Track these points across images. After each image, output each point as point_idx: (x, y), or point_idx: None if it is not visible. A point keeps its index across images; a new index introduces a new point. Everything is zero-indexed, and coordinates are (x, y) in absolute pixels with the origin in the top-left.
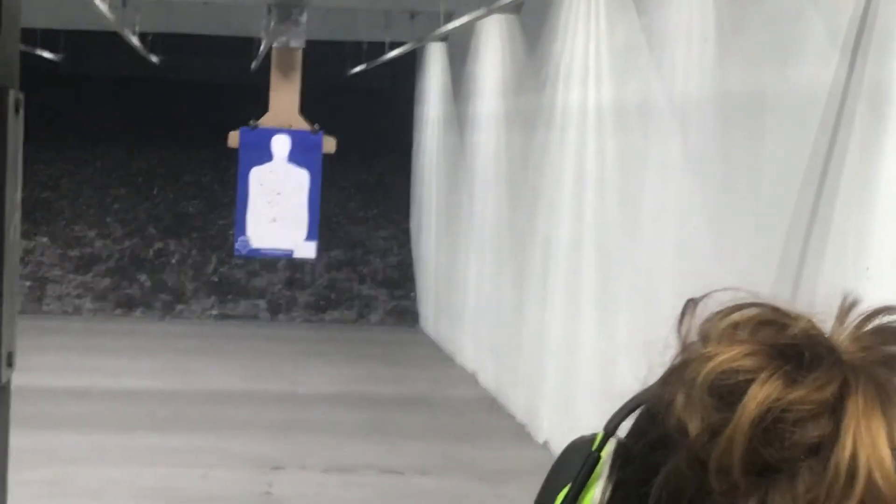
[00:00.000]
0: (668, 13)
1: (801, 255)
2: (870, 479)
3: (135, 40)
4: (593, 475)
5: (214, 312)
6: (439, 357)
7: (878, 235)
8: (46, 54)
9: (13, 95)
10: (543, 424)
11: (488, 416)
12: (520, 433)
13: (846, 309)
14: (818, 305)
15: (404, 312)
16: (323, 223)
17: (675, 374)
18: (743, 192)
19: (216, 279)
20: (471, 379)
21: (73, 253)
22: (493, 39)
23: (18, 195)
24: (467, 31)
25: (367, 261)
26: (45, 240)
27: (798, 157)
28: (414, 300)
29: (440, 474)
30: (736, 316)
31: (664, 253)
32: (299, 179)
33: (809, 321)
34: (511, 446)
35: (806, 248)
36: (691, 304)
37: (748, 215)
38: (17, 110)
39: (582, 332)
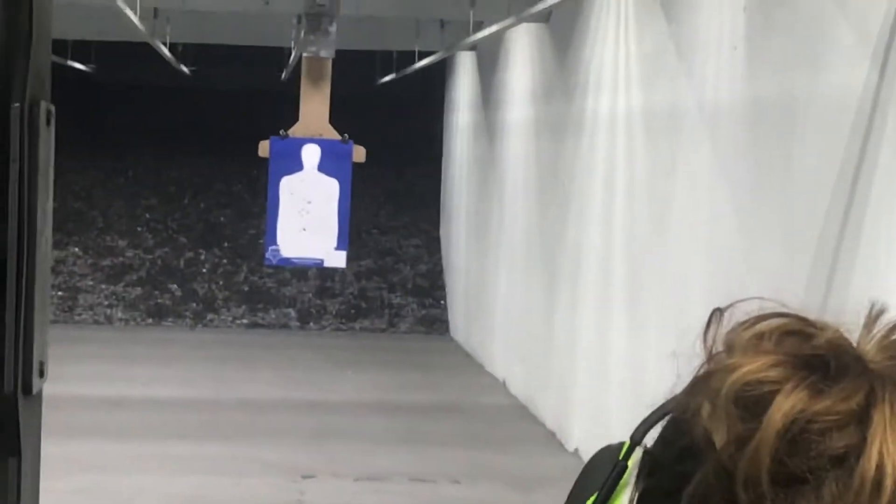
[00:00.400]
0: (698, 20)
1: (832, 261)
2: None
3: (166, 51)
4: (620, 484)
5: (245, 321)
6: (469, 365)
7: None
8: (78, 65)
9: (44, 107)
10: (574, 432)
11: (518, 424)
12: (550, 441)
13: (874, 317)
14: (850, 312)
15: (434, 321)
16: (353, 232)
17: (701, 385)
18: (773, 198)
19: (247, 288)
20: (501, 387)
21: (105, 262)
22: (523, 48)
23: (50, 206)
24: (496, 40)
25: (398, 269)
26: (76, 249)
27: (829, 163)
28: (444, 308)
29: (471, 482)
30: (761, 326)
31: (694, 260)
32: (329, 189)
33: (836, 331)
34: (541, 454)
35: (837, 254)
36: (717, 314)
37: (779, 222)
38: (48, 122)
39: (612, 340)
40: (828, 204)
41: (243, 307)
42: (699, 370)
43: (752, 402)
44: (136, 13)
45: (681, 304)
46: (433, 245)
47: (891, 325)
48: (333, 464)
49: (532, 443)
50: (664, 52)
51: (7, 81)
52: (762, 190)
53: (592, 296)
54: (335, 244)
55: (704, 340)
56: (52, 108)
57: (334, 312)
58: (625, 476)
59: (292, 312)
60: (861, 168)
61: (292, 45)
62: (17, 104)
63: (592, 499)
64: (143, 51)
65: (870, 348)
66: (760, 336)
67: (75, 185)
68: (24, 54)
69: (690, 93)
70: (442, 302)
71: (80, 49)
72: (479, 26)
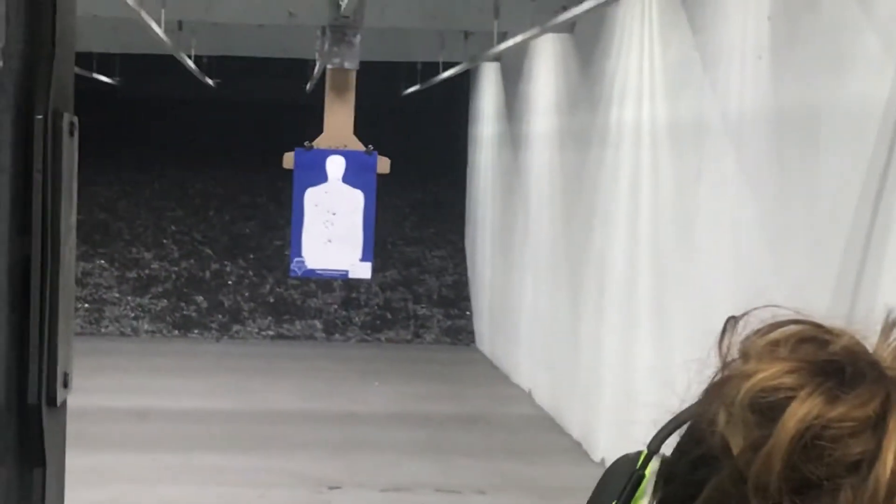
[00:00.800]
0: (722, 30)
1: (858, 269)
2: None
3: (191, 63)
4: (637, 493)
5: (271, 333)
6: (495, 375)
7: None
8: (104, 78)
9: (67, 119)
10: (600, 442)
11: (544, 435)
12: (576, 451)
13: (891, 324)
14: (877, 321)
15: (460, 331)
16: (378, 243)
17: (716, 392)
18: (799, 207)
19: (272, 300)
20: (526, 397)
21: (131, 275)
22: (547, 59)
23: (73, 217)
24: (521, 51)
25: (423, 280)
26: (102, 262)
27: (854, 171)
28: (469, 319)
29: (496, 493)
30: (776, 333)
31: (720, 269)
32: (354, 200)
33: (852, 337)
34: (567, 464)
35: (864, 263)
36: (731, 322)
37: (804, 231)
38: (71, 133)
39: (638, 350)
40: (853, 212)
41: (269, 319)
42: (714, 378)
43: (768, 409)
44: (160, 26)
45: (707, 314)
46: (458, 256)
47: None
48: (359, 475)
49: (558, 453)
50: (689, 62)
51: (31, 94)
52: (787, 199)
53: (617, 306)
54: (360, 255)
55: (719, 348)
56: (76, 120)
57: (360, 324)
58: (642, 485)
59: (318, 324)
60: (887, 175)
61: (317, 57)
62: (40, 116)
63: None
64: (168, 63)
65: (886, 355)
66: (776, 343)
67: (101, 198)
68: (46, 67)
69: (715, 103)
70: (467, 313)
71: (106, 62)
72: (503, 37)
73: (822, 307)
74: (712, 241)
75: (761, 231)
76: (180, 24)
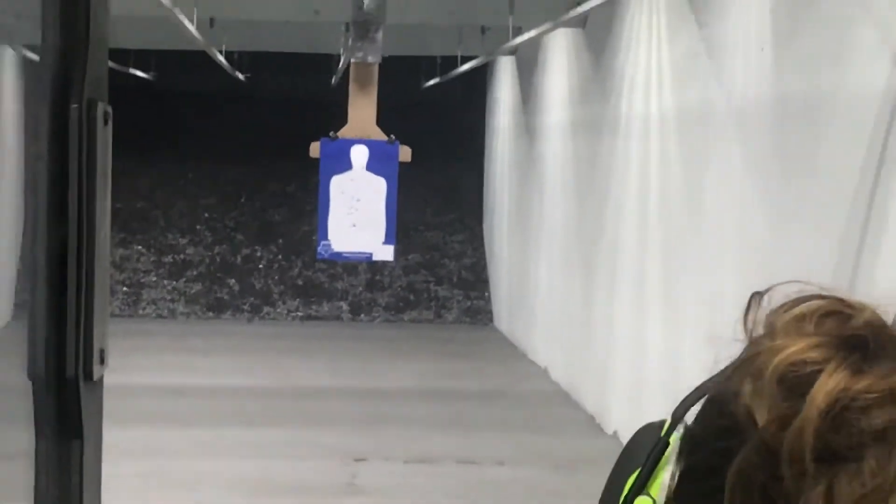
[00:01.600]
0: (726, 23)
1: (857, 250)
2: None
3: (222, 59)
4: (662, 460)
5: (300, 314)
6: (512, 353)
7: None
8: (140, 73)
9: (101, 108)
10: (612, 416)
11: (560, 409)
12: (590, 424)
13: None
14: (876, 297)
15: (479, 312)
16: (400, 228)
17: (743, 366)
18: (801, 191)
19: (301, 282)
20: (542, 373)
21: (167, 259)
22: (560, 52)
23: (108, 201)
24: (535, 45)
25: (443, 264)
26: (140, 247)
27: (853, 157)
28: (488, 300)
29: (515, 464)
30: (801, 308)
31: (726, 250)
32: (377, 187)
33: (873, 311)
34: (581, 437)
35: (862, 244)
36: (756, 298)
37: (806, 214)
38: (105, 122)
39: (648, 327)
40: (853, 194)
41: (297, 300)
42: (742, 352)
43: (796, 383)
44: (193, 23)
45: (714, 292)
46: (477, 240)
47: None
48: (384, 447)
49: (573, 427)
50: (695, 54)
51: (66, 84)
52: (790, 183)
53: (629, 286)
54: (383, 239)
55: (745, 323)
56: (110, 109)
57: (384, 305)
58: (666, 452)
59: (344, 305)
60: (884, 161)
61: (341, 52)
62: (75, 105)
63: (635, 475)
64: (201, 59)
65: None
66: (801, 318)
67: (138, 187)
68: (81, 58)
69: (720, 93)
70: (486, 294)
71: (142, 58)
72: (518, 31)
73: (824, 284)
74: (718, 224)
75: (765, 214)
76: (212, 21)
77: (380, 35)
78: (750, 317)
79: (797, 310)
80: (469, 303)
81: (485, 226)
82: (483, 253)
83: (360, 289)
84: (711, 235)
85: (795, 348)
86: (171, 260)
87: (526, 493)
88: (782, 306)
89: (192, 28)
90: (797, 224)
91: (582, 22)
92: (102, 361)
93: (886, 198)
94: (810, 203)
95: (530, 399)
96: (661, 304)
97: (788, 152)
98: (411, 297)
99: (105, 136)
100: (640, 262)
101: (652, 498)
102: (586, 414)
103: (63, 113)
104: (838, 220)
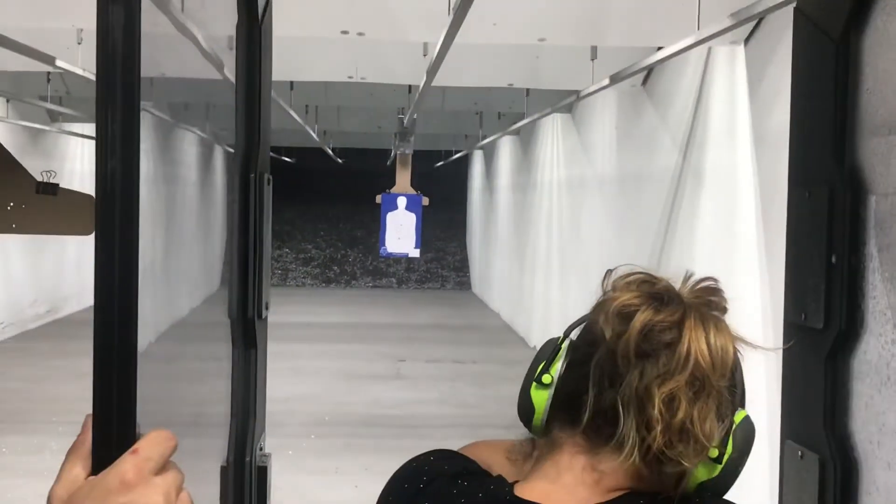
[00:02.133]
0: (592, 134)
1: (659, 251)
2: (696, 361)
3: (329, 151)
4: (557, 357)
5: (370, 284)
6: (480, 305)
7: (699, 246)
8: (286, 159)
9: (266, 176)
10: (533, 336)
11: (505, 334)
12: (521, 342)
13: (686, 277)
14: (667, 274)
15: (463, 284)
16: (423, 240)
17: (599, 307)
18: (631, 221)
19: (371, 268)
20: (496, 315)
21: (301, 256)
22: (506, 148)
23: (269, 224)
24: (493, 144)
25: (445, 259)
26: (287, 250)
27: (658, 205)
28: (468, 277)
29: (482, 363)
30: (630, 277)
31: (593, 251)
32: (411, 219)
33: (667, 281)
34: (516, 348)
35: (662, 248)
36: (608, 272)
37: (634, 233)
38: (268, 183)
39: (552, 290)
40: (658, 222)
41: (369, 277)
42: (599, 300)
43: (625, 316)
44: (314, 132)
45: (586, 272)
46: (462, 247)
47: (694, 280)
48: (414, 353)
49: (511, 342)
50: (576, 149)
51: (248, 163)
52: (626, 217)
53: (542, 268)
54: (414, 245)
55: (602, 285)
56: (270, 177)
57: (414, 280)
58: (560, 352)
59: (394, 280)
60: (673, 205)
61: (392, 147)
62: (252, 174)
63: (542, 365)
64: (317, 151)
65: (684, 291)
66: (630, 283)
67: (287, 218)
68: (255, 150)
69: (590, 169)
70: (467, 275)
71: (288, 151)
72: (483, 137)
73: (642, 266)
74: (589, 238)
75: (613, 233)
76: (325, 132)
77: (412, 139)
78: (604, 282)
79: (628, 278)
80: (459, 279)
81: (466, 240)
82: (466, 253)
83: (402, 271)
84: (585, 244)
85: (625, 297)
86: (303, 257)
87: (488, 377)
88: (620, 277)
89: (313, 134)
90: (629, 239)
91: (517, 131)
92: (266, 308)
93: (675, 225)
94: (636, 227)
95: (489, 328)
96: (558, 278)
97: (626, 201)
98: (428, 276)
99: (268, 191)
100: (547, 256)
101: (551, 375)
102: (519, 336)
103: (246, 178)
104: (650, 236)
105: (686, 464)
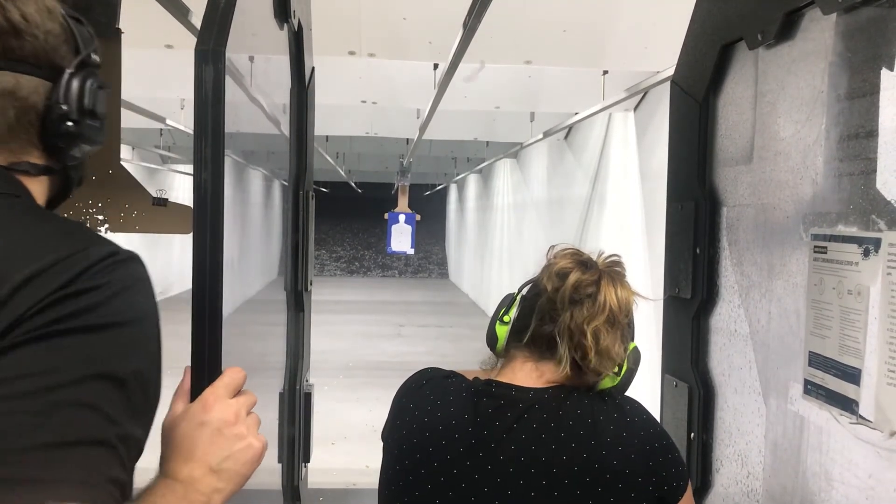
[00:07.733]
0: (531, 172)
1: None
2: (610, 306)
3: (353, 183)
4: (512, 305)
5: (381, 274)
6: (454, 288)
7: (604, 246)
8: (323, 189)
9: (311, 193)
10: (489, 309)
11: (471, 308)
12: (483, 312)
13: (600, 253)
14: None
15: (443, 274)
16: (417, 244)
17: (544, 271)
18: (556, 232)
19: (381, 262)
20: (466, 295)
21: (333, 255)
22: (473, 184)
23: (312, 228)
24: (463, 181)
25: (431, 256)
26: (323, 251)
27: (575, 220)
28: (447, 270)
29: (455, 327)
30: (565, 251)
31: (531, 246)
32: (408, 229)
33: (589, 255)
34: (479, 317)
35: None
36: (551, 248)
37: (557, 240)
38: (313, 198)
39: (504, 276)
40: (574, 232)
41: (379, 269)
42: (544, 267)
43: (563, 275)
44: (342, 171)
45: (524, 266)
46: (442, 249)
47: (606, 255)
48: (410, 321)
49: (476, 314)
50: (520, 182)
51: (298, 186)
52: (553, 227)
53: (497, 260)
54: (410, 245)
55: (547, 256)
56: (314, 194)
57: (410, 271)
58: (515, 301)
59: (396, 272)
60: (586, 220)
61: (395, 180)
62: (302, 192)
63: (504, 308)
64: (343, 184)
65: (600, 260)
66: (565, 255)
67: (321, 231)
68: (303, 176)
69: (528, 196)
70: (447, 268)
71: (324, 185)
72: (458, 174)
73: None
74: (528, 242)
75: (543, 240)
76: (349, 171)
77: (409, 175)
78: (548, 254)
79: (564, 251)
80: (440, 271)
81: (445, 244)
82: (445, 253)
83: (402, 264)
84: (525, 243)
85: (562, 263)
86: (334, 255)
87: (460, 337)
88: (560, 251)
89: (342, 172)
90: (555, 242)
91: (480, 171)
92: (311, 284)
93: (587, 234)
94: (560, 235)
95: (461, 304)
96: (507, 269)
97: (552, 217)
98: (420, 268)
99: (312, 204)
100: (500, 255)
101: (510, 316)
102: (481, 309)
103: (297, 194)
104: (570, 241)
105: (604, 373)
